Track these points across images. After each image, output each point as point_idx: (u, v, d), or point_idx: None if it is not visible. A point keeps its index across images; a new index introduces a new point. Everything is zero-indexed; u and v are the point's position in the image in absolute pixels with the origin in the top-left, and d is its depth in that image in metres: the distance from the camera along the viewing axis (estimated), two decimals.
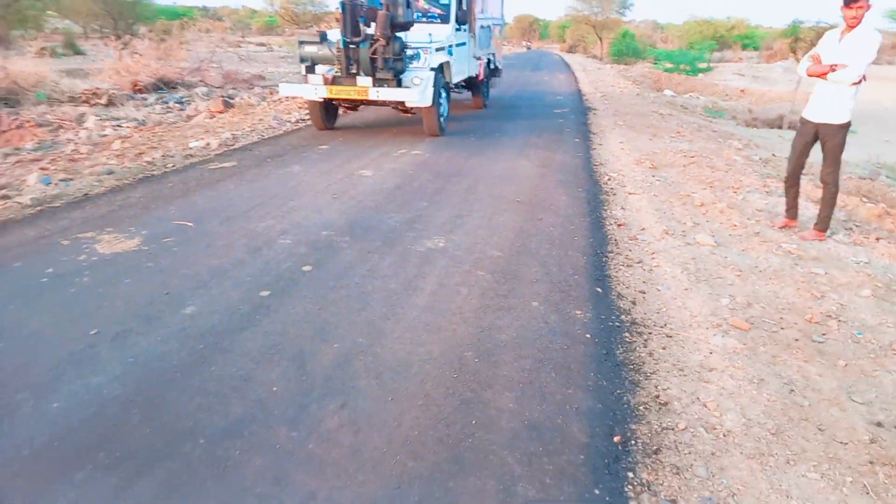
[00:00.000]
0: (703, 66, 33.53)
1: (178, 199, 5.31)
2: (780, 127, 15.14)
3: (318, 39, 7.78)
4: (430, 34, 8.10)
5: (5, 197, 5.17)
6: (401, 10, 7.39)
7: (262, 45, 40.44)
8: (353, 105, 8.70)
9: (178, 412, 2.39)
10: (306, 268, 3.87)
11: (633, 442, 2.40)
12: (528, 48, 59.16)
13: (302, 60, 7.92)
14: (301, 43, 7.92)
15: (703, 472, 2.27)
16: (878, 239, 5.05)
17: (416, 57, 7.82)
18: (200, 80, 16.85)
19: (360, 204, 5.32)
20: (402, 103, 7.79)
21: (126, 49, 21.78)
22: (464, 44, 9.52)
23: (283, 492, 2.02)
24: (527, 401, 2.59)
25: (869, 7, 4.27)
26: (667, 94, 19.87)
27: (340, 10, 7.29)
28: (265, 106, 11.70)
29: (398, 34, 7.51)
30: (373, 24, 7.34)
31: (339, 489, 2.04)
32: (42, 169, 6.10)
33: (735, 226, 5.16)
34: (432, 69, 7.88)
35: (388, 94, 7.45)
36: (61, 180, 5.70)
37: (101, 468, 2.07)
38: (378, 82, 7.48)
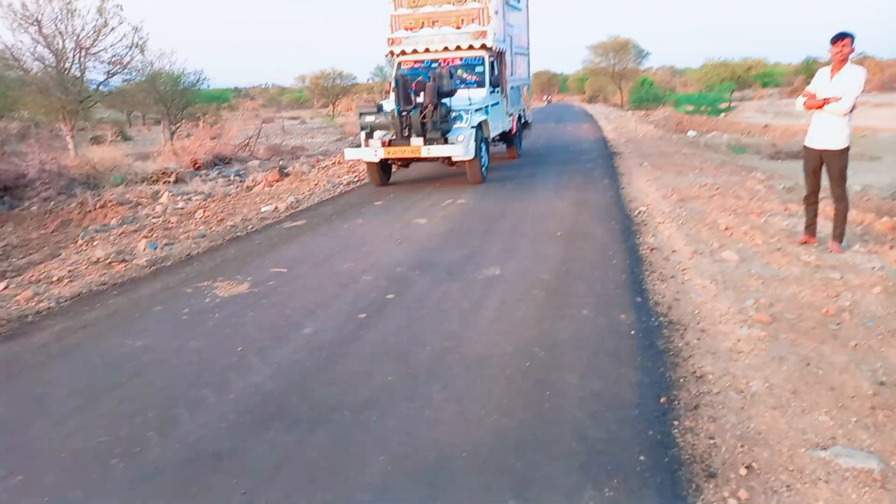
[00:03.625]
0: (724, 106, 34.35)
1: (267, 252, 6.21)
2: None
3: (375, 110, 9.20)
4: (469, 98, 9.55)
5: (125, 260, 6.13)
6: (445, 81, 8.88)
7: (295, 118, 42.93)
8: (406, 162, 10.08)
9: (323, 395, 3.15)
10: (390, 296, 4.66)
11: (676, 402, 3.04)
12: (549, 102, 60.79)
13: (362, 128, 9.33)
14: (361, 113, 9.34)
15: (734, 419, 2.89)
16: (891, 247, 5.58)
17: (459, 118, 9.20)
18: (251, 154, 18.32)
19: (421, 246, 6.13)
20: (449, 158, 9.13)
21: (175, 133, 23.72)
22: (497, 103, 10.96)
23: (415, 440, 2.73)
24: (588, 378, 3.26)
25: (852, 48, 5.00)
26: (690, 134, 20.63)
27: (394, 85, 8.88)
28: (316, 172, 12.85)
29: (444, 100, 8.92)
30: (422, 94, 8.75)
31: (455, 437, 2.74)
32: (145, 237, 7.11)
33: (758, 244, 5.76)
34: (473, 127, 9.20)
35: (438, 150, 8.84)
36: (165, 245, 6.68)
37: (281, 430, 2.84)
38: (428, 141, 8.85)
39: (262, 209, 8.63)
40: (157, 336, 4.10)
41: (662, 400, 3.05)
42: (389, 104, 9.24)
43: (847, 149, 5.22)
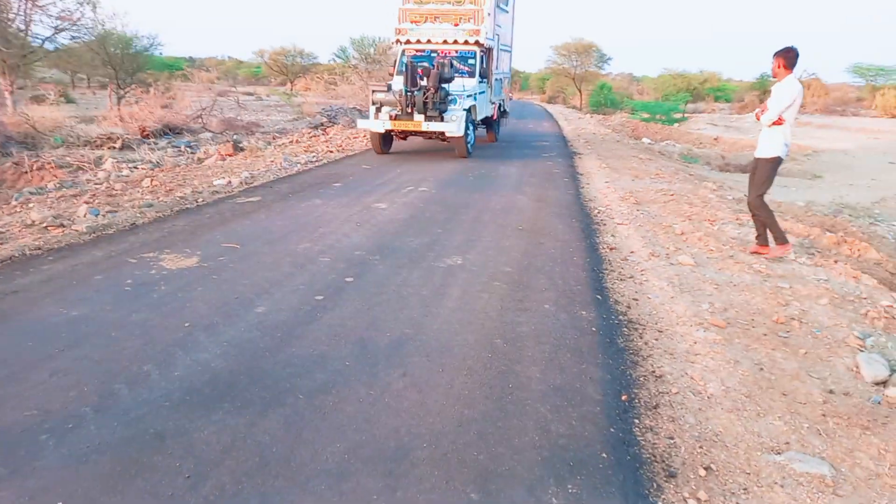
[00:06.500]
0: (678, 116, 35.21)
1: (218, 226, 5.94)
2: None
3: (385, 88, 10.92)
4: (463, 85, 11.31)
5: (62, 226, 5.75)
6: (447, 69, 10.58)
7: (250, 94, 41.55)
8: (405, 136, 11.71)
9: (276, 377, 2.99)
10: (349, 279, 4.51)
11: (636, 400, 3.04)
12: (510, 99, 61.08)
13: (373, 103, 11.00)
14: (373, 91, 11.15)
15: (693, 420, 2.90)
16: (835, 261, 5.79)
17: (454, 101, 10.84)
18: (203, 127, 17.63)
19: (381, 230, 5.99)
20: (443, 133, 10.75)
21: (123, 98, 22.59)
22: (484, 92, 12.60)
23: (373, 427, 2.62)
24: (550, 372, 3.22)
25: (784, 60, 5.11)
26: (644, 141, 21.05)
27: (403, 69, 10.69)
28: (272, 150, 12.45)
29: (443, 85, 10.54)
30: (426, 78, 10.40)
31: (415, 426, 2.64)
32: (86, 202, 6.69)
33: (712, 250, 5.87)
34: (464, 110, 10.92)
35: (435, 126, 10.53)
36: (108, 212, 6.30)
37: (230, 412, 2.67)
38: (428, 118, 10.51)
39: (215, 182, 8.27)
40: (96, 306, 3.83)
41: (623, 398, 3.04)
42: (397, 84, 10.89)
43: (774, 159, 5.34)
